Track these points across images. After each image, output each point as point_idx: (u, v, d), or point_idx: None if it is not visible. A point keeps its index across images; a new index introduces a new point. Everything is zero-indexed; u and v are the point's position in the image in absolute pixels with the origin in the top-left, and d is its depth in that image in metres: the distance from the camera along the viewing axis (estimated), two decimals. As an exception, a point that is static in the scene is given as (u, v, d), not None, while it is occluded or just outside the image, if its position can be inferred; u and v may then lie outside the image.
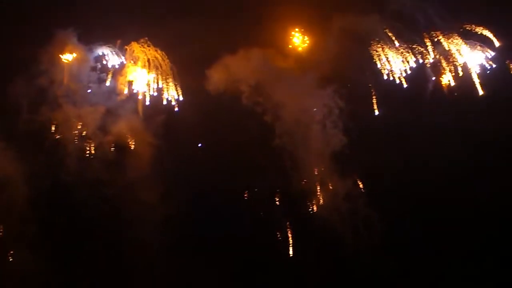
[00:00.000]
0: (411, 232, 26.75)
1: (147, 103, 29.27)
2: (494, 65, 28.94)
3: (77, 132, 28.58)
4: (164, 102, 29.45)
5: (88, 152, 28.46)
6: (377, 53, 29.39)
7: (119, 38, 29.08)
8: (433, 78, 29.36)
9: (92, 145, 28.52)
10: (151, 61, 29.26)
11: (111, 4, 28.86)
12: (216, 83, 27.68)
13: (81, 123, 28.67)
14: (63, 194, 28.07)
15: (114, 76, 29.34)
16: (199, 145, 29.63)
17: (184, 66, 28.87)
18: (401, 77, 29.38)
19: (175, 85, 29.51)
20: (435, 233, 26.55)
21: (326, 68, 28.44)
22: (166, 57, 29.06)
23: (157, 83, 29.52)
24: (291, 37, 29.93)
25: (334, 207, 27.62)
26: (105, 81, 29.34)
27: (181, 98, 29.59)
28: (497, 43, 29.02)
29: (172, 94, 29.59)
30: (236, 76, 27.71)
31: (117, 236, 27.53)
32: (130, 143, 28.84)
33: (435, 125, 28.19)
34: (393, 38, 29.33)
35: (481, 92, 28.61)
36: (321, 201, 28.02)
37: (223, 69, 27.83)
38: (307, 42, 29.86)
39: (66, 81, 28.95)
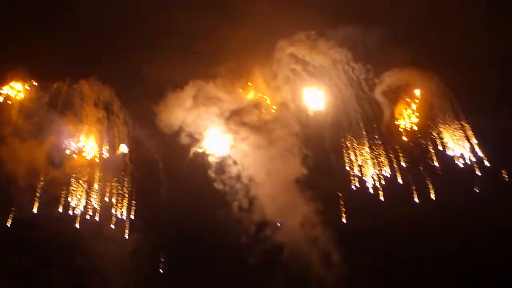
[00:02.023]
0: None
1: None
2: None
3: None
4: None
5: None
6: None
7: (69, 75, 28.40)
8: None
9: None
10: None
11: (61, 41, 28.62)
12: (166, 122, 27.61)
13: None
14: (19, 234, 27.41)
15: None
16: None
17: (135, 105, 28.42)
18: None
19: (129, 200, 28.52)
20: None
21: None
22: (116, 97, 28.49)
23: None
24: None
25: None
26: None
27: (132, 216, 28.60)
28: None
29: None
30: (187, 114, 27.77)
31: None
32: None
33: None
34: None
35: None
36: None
37: (176, 107, 27.78)
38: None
39: (15, 118, 28.33)
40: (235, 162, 28.68)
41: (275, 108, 29.16)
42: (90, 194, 27.91)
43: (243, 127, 28.48)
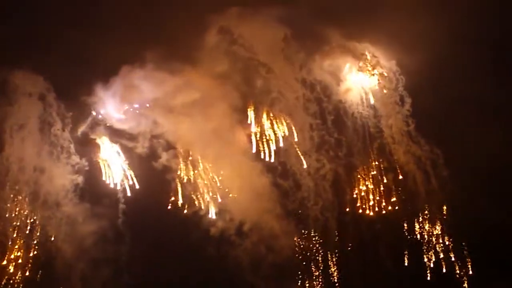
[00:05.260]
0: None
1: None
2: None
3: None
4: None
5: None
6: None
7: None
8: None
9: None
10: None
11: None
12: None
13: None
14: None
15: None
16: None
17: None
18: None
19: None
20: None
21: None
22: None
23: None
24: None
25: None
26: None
27: None
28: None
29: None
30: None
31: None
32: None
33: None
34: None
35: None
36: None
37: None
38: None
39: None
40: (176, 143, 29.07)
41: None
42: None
43: (183, 108, 28.45)
